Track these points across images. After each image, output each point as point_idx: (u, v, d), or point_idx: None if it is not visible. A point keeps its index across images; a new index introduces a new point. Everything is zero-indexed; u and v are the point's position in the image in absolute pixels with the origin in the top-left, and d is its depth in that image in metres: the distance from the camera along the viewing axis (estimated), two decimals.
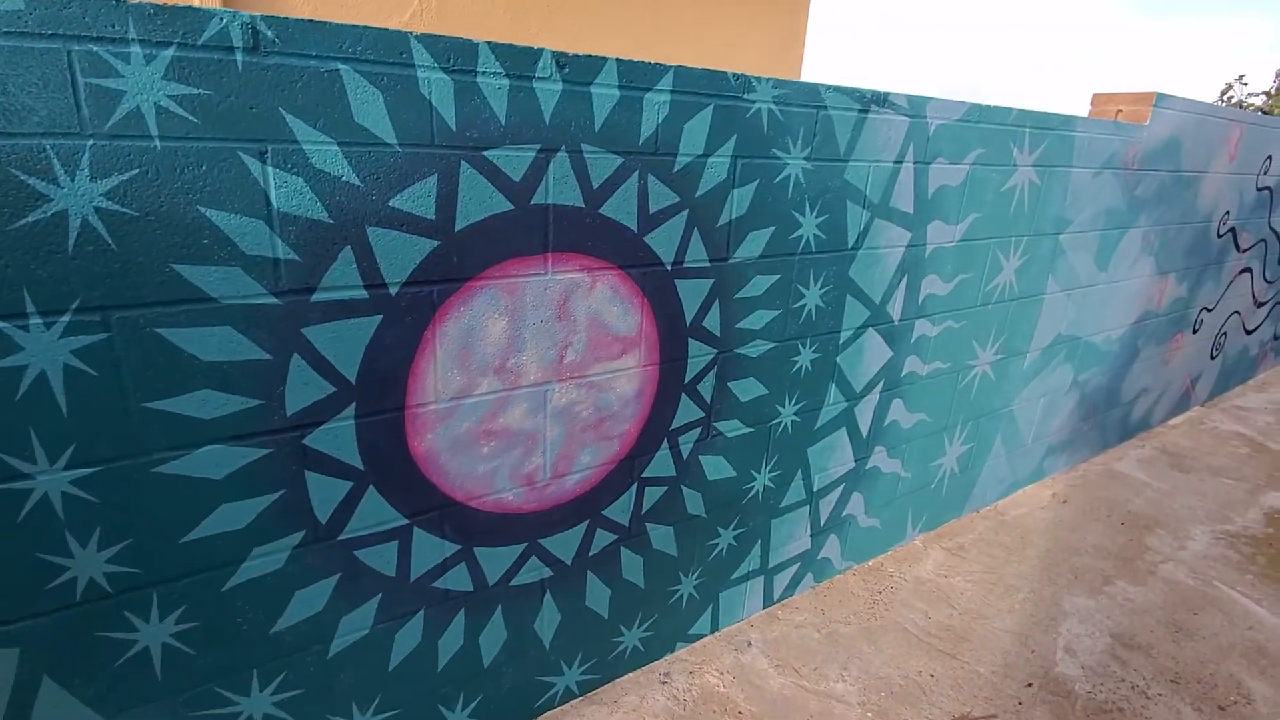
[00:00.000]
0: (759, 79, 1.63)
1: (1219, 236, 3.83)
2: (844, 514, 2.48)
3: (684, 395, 1.82)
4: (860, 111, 1.86)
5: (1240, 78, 7.85)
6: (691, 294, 1.72)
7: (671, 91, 1.50)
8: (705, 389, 1.85)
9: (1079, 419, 3.48)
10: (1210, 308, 4.15)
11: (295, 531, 1.35)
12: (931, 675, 2.16)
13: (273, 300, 1.19)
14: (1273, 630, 2.45)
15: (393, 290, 1.29)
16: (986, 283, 2.52)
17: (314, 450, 1.31)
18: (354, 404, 1.32)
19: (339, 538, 1.40)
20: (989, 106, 2.19)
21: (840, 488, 2.41)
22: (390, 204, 1.24)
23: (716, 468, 1.99)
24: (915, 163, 2.06)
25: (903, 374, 2.40)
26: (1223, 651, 2.33)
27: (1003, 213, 2.44)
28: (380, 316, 1.30)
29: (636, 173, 1.52)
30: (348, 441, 1.34)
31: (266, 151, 1.12)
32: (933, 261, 2.28)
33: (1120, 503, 3.31)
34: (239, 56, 1.06)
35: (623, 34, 3.47)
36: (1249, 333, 4.82)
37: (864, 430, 2.38)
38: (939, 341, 2.47)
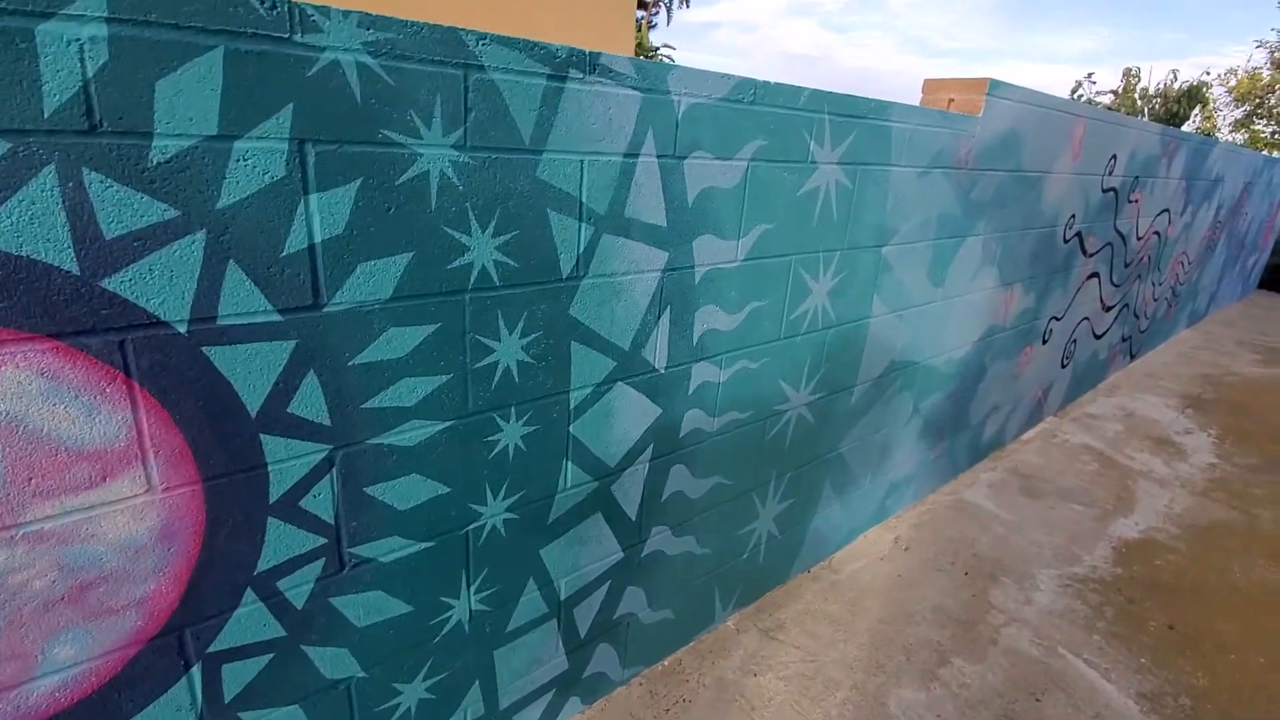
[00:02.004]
0: (328, 9, 0.97)
1: (1065, 241, 3.57)
2: (616, 616, 1.90)
3: (272, 520, 1.15)
4: (552, 78, 1.25)
5: (1089, 75, 8.03)
6: (251, 366, 1.05)
7: (109, 19, 0.82)
8: (319, 504, 1.20)
9: (924, 449, 3.10)
10: (1059, 316, 3.91)
11: None
12: None
13: None
14: (1121, 713, 2.08)
15: None
16: (790, 310, 2.00)
17: None
18: None
19: None
20: (768, 84, 1.64)
21: (605, 586, 1.83)
22: None
23: (372, 607, 1.34)
24: (660, 157, 1.48)
25: (682, 434, 1.84)
26: None
27: (803, 223, 1.92)
28: None
29: (52, 169, 0.83)
30: None
31: None
32: (708, 288, 1.73)
33: (966, 544, 2.94)
34: None
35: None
36: (1098, 337, 4.69)
37: (631, 511, 1.80)
38: (732, 387, 1.92)
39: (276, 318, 1.05)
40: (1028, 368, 3.79)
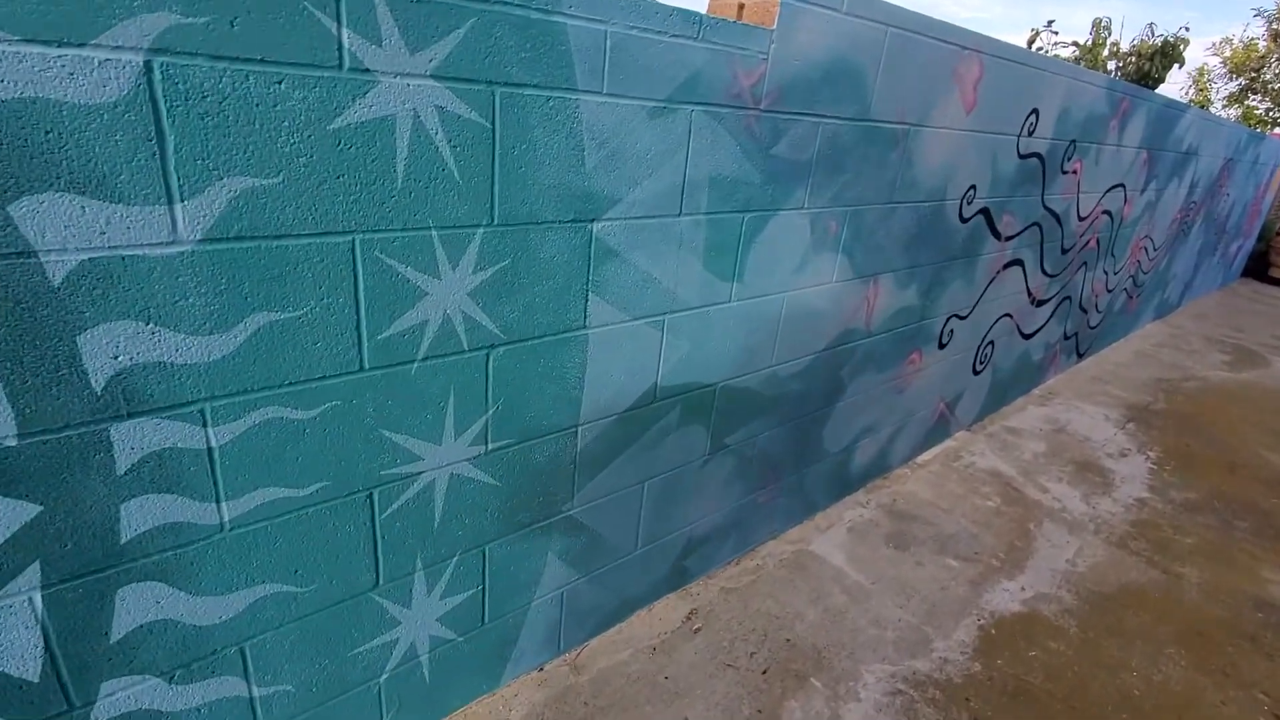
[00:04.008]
0: None
1: (963, 220, 2.78)
2: None
3: None
4: None
5: (1049, 24, 7.00)
6: None
7: None
8: None
9: (744, 492, 2.35)
10: (963, 314, 3.14)
11: None
12: None
13: None
14: None
15: None
16: (380, 323, 1.23)
17: None
18: None
19: None
20: None
21: None
22: None
23: None
24: None
25: (130, 537, 1.08)
26: None
27: (366, 178, 1.13)
28: None
29: None
30: None
31: None
32: (104, 291, 0.95)
33: (785, 622, 2.22)
34: None
35: None
36: (1027, 337, 3.93)
37: (29, 670, 1.05)
38: (254, 454, 1.16)
39: None
40: (916, 378, 3.03)
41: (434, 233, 1.24)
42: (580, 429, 1.69)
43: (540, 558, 1.77)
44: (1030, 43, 6.85)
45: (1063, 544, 2.81)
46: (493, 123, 1.24)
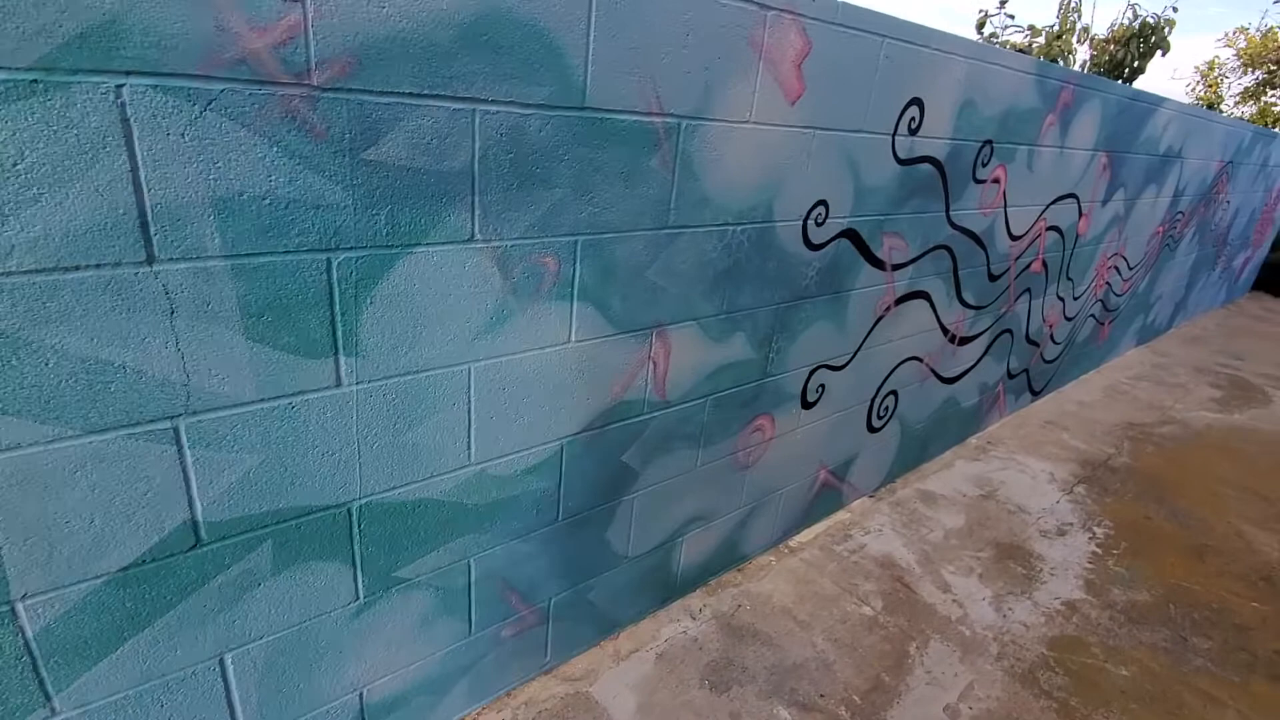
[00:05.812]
0: None
1: (813, 248, 2.09)
2: None
3: None
4: None
5: (1003, 4, 6.09)
6: None
7: None
8: None
9: (463, 631, 1.69)
10: (838, 364, 2.45)
11: None
12: None
13: None
14: None
15: None
16: None
17: None
18: None
19: None
20: None
21: None
22: None
23: None
24: None
25: None
26: None
27: None
28: None
29: None
30: None
31: None
32: None
33: None
34: None
35: None
36: (949, 381, 3.22)
37: None
38: None
39: None
40: (771, 448, 2.34)
41: None
42: (22, 605, 1.04)
43: None
44: (980, 26, 6.05)
45: (949, 678, 2.11)
46: None
